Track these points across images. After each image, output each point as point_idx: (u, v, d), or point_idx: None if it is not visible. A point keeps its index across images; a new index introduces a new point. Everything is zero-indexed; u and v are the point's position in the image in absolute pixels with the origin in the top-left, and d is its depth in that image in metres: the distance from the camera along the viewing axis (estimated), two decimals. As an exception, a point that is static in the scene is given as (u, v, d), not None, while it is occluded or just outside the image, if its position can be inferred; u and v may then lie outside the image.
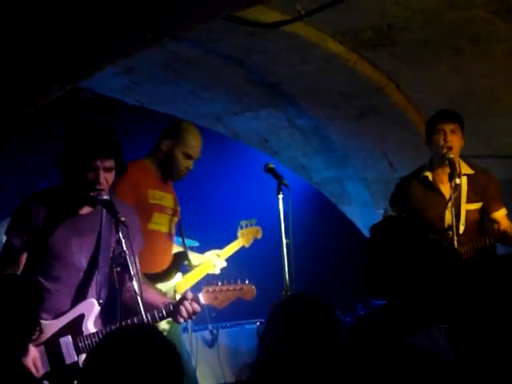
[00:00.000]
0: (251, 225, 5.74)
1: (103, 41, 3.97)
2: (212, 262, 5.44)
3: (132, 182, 4.73)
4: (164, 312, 3.93)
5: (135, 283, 3.53)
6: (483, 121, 5.60)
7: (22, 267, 3.91)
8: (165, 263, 5.00)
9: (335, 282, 8.00)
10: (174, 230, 5.12)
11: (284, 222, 4.63)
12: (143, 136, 7.87)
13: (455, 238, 4.79)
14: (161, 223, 4.95)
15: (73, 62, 4.04)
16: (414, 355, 2.53)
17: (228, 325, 6.75)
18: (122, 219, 3.60)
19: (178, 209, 5.14)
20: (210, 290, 4.16)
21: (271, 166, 4.85)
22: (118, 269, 3.56)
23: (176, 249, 5.23)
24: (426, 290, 2.76)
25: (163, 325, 4.65)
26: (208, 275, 5.36)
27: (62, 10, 3.66)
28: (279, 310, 2.59)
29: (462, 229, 4.99)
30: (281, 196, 4.65)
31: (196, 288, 5.01)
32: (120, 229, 3.57)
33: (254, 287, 4.32)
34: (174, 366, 2.26)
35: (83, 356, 3.79)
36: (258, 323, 6.72)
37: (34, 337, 3.60)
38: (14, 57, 3.85)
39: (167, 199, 5.02)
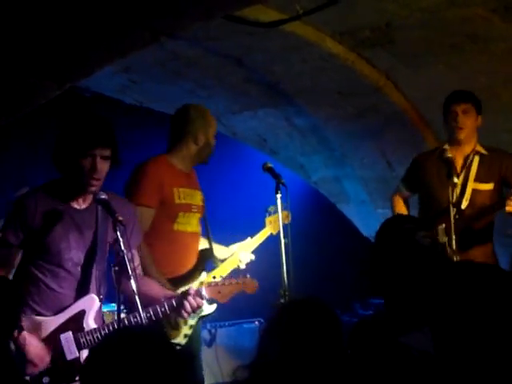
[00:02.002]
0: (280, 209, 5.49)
1: (101, 39, 3.97)
2: (237, 257, 5.30)
3: (156, 183, 4.66)
4: (167, 307, 3.94)
5: (133, 282, 3.54)
6: (482, 119, 5.59)
7: (16, 264, 3.93)
8: (190, 263, 4.86)
9: (334, 281, 8.00)
10: (199, 228, 4.97)
11: (282, 221, 4.63)
12: (142, 135, 7.90)
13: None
14: (186, 223, 4.82)
15: (71, 61, 4.03)
16: (411, 355, 2.54)
17: (226, 324, 6.75)
18: (120, 218, 3.60)
19: (203, 204, 4.99)
20: (213, 284, 4.16)
21: (269, 165, 4.83)
22: (116, 268, 3.56)
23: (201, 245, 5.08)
24: (422, 290, 2.76)
25: (186, 331, 4.64)
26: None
27: (59, 9, 3.65)
28: (281, 312, 2.59)
29: (464, 204, 4.97)
30: (279, 195, 4.63)
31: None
32: (118, 228, 3.58)
33: (255, 281, 4.31)
34: (174, 370, 2.26)
35: (84, 352, 3.79)
36: (257, 322, 6.73)
37: (15, 334, 3.61)
38: (11, 55, 3.84)
39: (194, 197, 4.89)
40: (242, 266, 5.22)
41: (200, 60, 5.91)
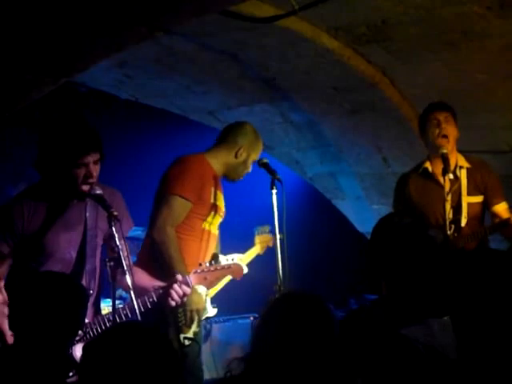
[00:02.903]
0: (265, 232, 5.71)
1: (97, 34, 3.96)
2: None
3: (199, 180, 4.71)
4: (154, 297, 3.95)
5: (128, 277, 3.54)
6: (478, 116, 5.59)
7: (7, 270, 3.93)
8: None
9: (329, 276, 8.02)
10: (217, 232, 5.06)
11: (277, 216, 4.63)
12: (137, 130, 7.90)
13: (450, 232, 4.78)
14: (213, 224, 4.88)
15: (66, 56, 4.02)
16: (414, 347, 2.54)
17: (221, 319, 6.75)
18: (115, 213, 3.61)
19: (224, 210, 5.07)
20: (199, 271, 4.15)
21: (265, 160, 4.84)
22: (112, 263, 3.57)
23: None
24: (421, 283, 2.77)
25: (194, 328, 4.65)
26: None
27: (55, 4, 3.65)
28: (275, 306, 2.59)
29: (464, 222, 4.95)
30: (274, 191, 4.63)
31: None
32: (113, 223, 3.58)
33: (242, 266, 4.31)
34: (171, 362, 2.27)
35: (76, 347, 3.79)
36: (252, 318, 6.72)
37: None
38: (6, 50, 3.84)
39: (221, 200, 4.96)
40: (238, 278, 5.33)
41: (196, 56, 5.90)
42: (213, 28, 5.23)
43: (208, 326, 6.54)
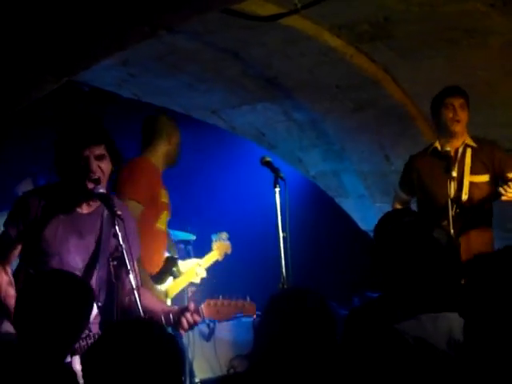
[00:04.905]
0: (222, 239, 5.77)
1: (99, 33, 3.97)
2: (194, 270, 5.46)
3: (149, 181, 4.85)
4: (163, 320, 3.89)
5: (132, 277, 3.52)
6: (479, 113, 5.58)
7: (15, 257, 3.91)
8: (162, 262, 5.04)
9: (332, 274, 8.01)
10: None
11: (281, 215, 4.63)
12: (139, 129, 7.89)
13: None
14: (163, 221, 5.02)
15: (69, 55, 4.03)
16: (406, 341, 2.55)
17: (225, 318, 6.75)
18: (119, 213, 3.58)
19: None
20: (212, 303, 4.09)
21: (268, 159, 4.85)
22: (115, 263, 3.55)
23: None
24: (420, 280, 2.77)
25: None
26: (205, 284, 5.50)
27: (58, 3, 3.65)
28: (276, 303, 2.60)
29: (464, 198, 5.00)
30: (277, 189, 4.65)
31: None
32: (116, 222, 3.56)
33: (254, 304, 4.30)
34: (174, 358, 2.27)
35: (77, 358, 3.72)
36: (255, 316, 6.73)
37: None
38: (10, 49, 3.84)
39: (166, 195, 5.08)
40: (197, 280, 5.40)
41: (198, 54, 5.90)
42: (215, 26, 5.23)
43: (211, 324, 6.56)
